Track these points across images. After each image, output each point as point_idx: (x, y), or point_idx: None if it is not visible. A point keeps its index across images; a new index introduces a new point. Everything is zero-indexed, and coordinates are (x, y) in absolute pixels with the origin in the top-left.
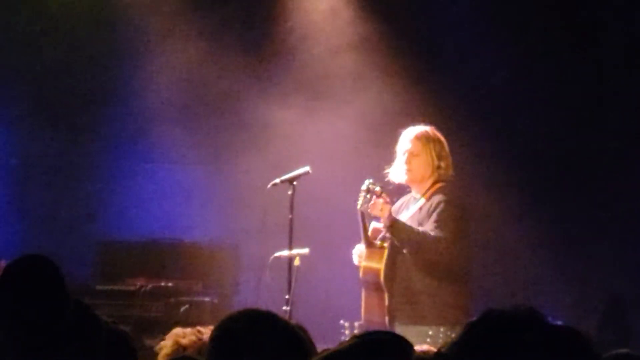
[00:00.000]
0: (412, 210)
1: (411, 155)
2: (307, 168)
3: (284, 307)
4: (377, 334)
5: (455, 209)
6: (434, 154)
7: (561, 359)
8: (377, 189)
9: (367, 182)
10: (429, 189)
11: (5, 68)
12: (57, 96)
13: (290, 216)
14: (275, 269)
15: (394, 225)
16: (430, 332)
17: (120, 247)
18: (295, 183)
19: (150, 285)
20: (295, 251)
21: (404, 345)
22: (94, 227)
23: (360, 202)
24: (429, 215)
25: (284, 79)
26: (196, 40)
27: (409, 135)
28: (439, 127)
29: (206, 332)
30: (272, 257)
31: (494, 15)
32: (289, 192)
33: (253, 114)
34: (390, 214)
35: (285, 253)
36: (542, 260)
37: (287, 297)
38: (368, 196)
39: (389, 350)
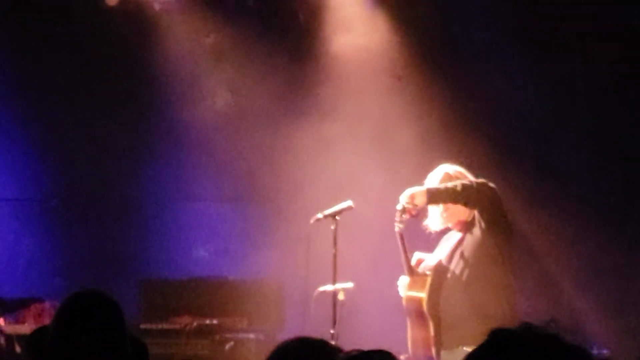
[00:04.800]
0: (452, 241)
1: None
2: (349, 202)
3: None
4: None
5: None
6: None
7: None
8: (411, 207)
9: (402, 201)
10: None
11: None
12: (98, 134)
13: (333, 251)
14: (320, 304)
15: (429, 191)
16: None
17: (164, 285)
18: (338, 217)
19: (195, 323)
20: (339, 285)
21: None
22: (137, 265)
23: (397, 223)
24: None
25: (318, 115)
26: (233, 77)
27: (434, 183)
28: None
29: None
30: (316, 292)
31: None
32: (332, 227)
33: (294, 152)
34: (417, 191)
35: (329, 288)
36: (586, 289)
37: (332, 331)
38: (405, 216)
39: None
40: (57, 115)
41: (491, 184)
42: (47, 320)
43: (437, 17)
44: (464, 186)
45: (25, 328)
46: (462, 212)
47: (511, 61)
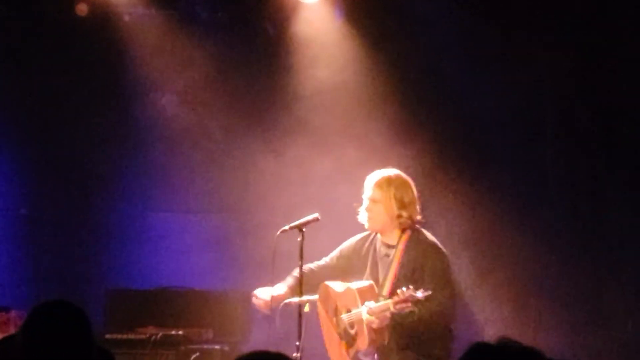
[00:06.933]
0: (384, 258)
1: (372, 203)
2: (316, 214)
3: (295, 354)
4: None
5: (443, 262)
6: (394, 201)
7: None
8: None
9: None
10: (399, 238)
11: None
12: (65, 144)
13: (300, 263)
14: (286, 316)
15: (394, 322)
16: None
17: (130, 296)
18: (304, 229)
19: (160, 334)
20: (305, 297)
21: None
22: (103, 275)
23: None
24: (421, 277)
25: (284, 129)
26: (201, 89)
27: (371, 182)
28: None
29: None
30: (282, 304)
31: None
32: (299, 239)
33: (259, 163)
34: (383, 321)
35: (295, 300)
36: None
37: (297, 343)
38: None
39: None
40: (26, 124)
41: (447, 307)
42: (12, 329)
43: (405, 31)
44: (425, 324)
45: None
46: (386, 222)
47: (485, 78)
